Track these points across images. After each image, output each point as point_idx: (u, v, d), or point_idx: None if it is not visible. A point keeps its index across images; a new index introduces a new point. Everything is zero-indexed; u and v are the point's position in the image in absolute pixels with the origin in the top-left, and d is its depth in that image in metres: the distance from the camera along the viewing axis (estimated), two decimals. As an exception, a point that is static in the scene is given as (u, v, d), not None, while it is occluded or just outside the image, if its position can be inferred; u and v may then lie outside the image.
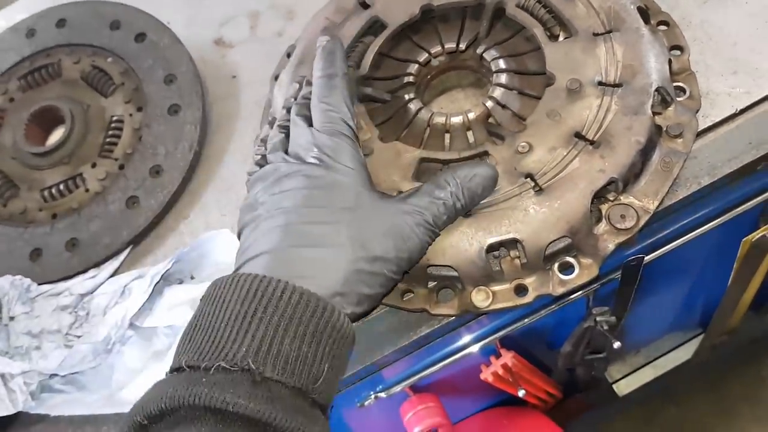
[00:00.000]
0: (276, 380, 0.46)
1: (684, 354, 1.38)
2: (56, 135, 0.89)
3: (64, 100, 0.87)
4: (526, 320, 0.75)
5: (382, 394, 0.75)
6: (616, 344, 0.78)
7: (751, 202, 0.74)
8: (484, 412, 1.05)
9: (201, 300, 0.52)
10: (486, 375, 0.79)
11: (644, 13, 0.70)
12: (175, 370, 0.48)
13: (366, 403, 0.75)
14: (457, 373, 0.83)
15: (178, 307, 0.69)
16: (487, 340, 0.75)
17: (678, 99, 0.67)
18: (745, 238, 0.82)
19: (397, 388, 0.76)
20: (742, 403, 1.93)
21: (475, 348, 0.74)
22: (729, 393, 1.94)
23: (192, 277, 0.72)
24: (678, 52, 0.71)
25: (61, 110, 0.86)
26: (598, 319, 0.79)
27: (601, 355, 0.95)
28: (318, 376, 0.48)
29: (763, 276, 1.04)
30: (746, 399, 1.93)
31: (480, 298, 0.62)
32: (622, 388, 1.39)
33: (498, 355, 0.79)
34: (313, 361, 0.48)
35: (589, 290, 0.76)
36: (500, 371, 0.79)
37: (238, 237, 0.59)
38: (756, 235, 0.81)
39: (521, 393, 0.83)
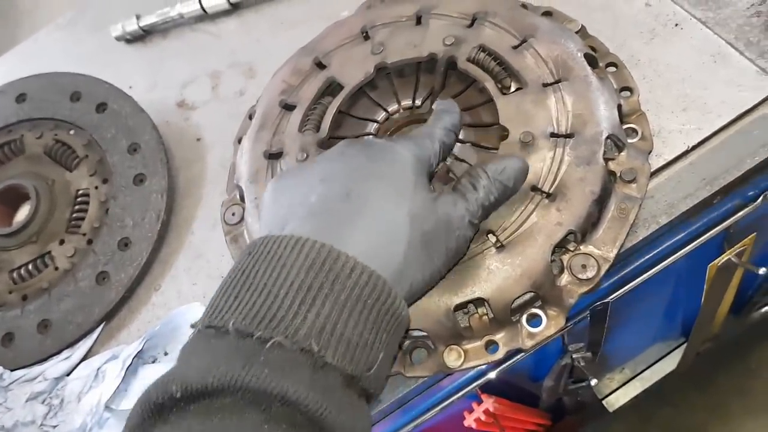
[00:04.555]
0: (334, 366, 0.41)
1: (669, 364, 1.40)
2: (23, 212, 0.89)
3: (28, 177, 0.87)
4: (503, 366, 0.75)
5: (367, 452, 0.75)
6: (593, 381, 0.79)
7: (713, 231, 0.75)
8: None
9: (249, 254, 0.45)
10: (469, 422, 0.80)
11: (592, 59, 0.72)
12: (213, 328, 0.41)
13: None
14: (442, 422, 0.83)
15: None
16: (466, 390, 0.75)
17: (630, 141, 0.69)
18: (711, 264, 0.83)
19: (381, 445, 0.76)
20: (733, 397, 1.96)
21: (454, 398, 0.75)
22: (720, 388, 1.97)
23: (165, 353, 0.72)
24: (628, 93, 0.72)
25: (26, 188, 0.86)
26: (574, 356, 0.80)
27: (584, 384, 0.96)
28: (372, 363, 0.44)
29: (735, 290, 1.06)
30: (737, 392, 1.96)
31: (452, 358, 0.62)
32: (612, 402, 1.40)
33: (480, 401, 0.79)
34: (371, 349, 0.44)
35: (564, 331, 0.77)
36: (483, 417, 0.79)
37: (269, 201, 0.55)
38: (721, 259, 0.83)
39: (504, 438, 0.83)
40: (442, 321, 0.61)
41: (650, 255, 0.75)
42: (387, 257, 0.47)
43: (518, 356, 0.75)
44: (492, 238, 0.62)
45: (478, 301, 0.61)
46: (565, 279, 0.62)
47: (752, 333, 1.95)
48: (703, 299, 0.92)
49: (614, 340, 1.04)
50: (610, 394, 1.42)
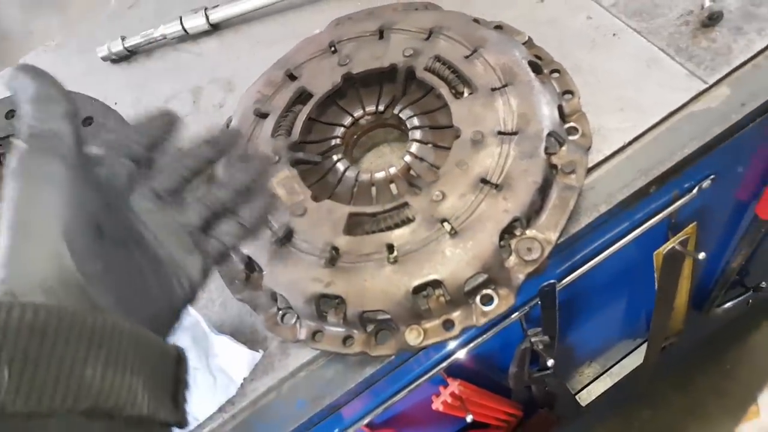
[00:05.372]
0: None
1: (636, 360, 1.46)
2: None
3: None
4: (464, 350, 0.82)
5: (340, 435, 0.81)
6: (550, 361, 0.85)
7: (654, 220, 0.82)
8: (448, 439, 1.11)
9: None
10: (437, 405, 0.85)
11: (536, 66, 0.79)
12: None
13: (325, 445, 0.81)
14: (411, 407, 0.89)
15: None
16: (432, 372, 0.81)
17: (571, 138, 0.76)
18: (656, 251, 0.90)
19: (354, 428, 0.81)
20: (710, 397, 2.03)
21: (421, 380, 0.81)
22: (697, 389, 2.04)
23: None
24: (570, 96, 0.80)
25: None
26: (533, 340, 0.86)
27: (548, 372, 1.02)
28: None
29: (689, 281, 1.13)
30: (714, 392, 2.03)
31: (413, 336, 0.68)
32: (585, 397, 1.46)
33: (446, 385, 0.85)
34: None
35: (521, 314, 0.83)
36: (449, 399, 0.85)
37: None
38: (666, 247, 0.90)
39: (469, 418, 0.89)
40: (403, 303, 0.67)
41: (596, 244, 0.82)
42: None
43: (478, 338, 0.81)
44: (447, 226, 0.69)
45: (435, 284, 0.67)
46: (512, 261, 0.69)
47: (725, 334, 2.04)
48: (656, 288, 0.99)
49: (578, 333, 1.10)
50: (582, 389, 1.48)
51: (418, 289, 0.67)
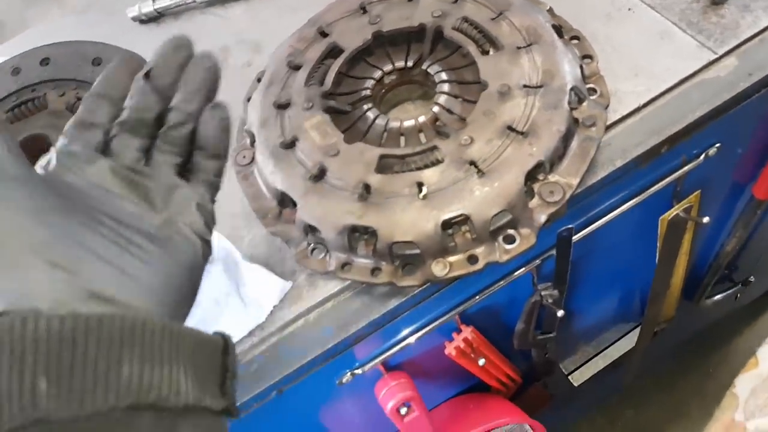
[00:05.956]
0: None
1: (629, 343, 1.51)
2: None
3: (51, 129, 0.95)
4: (480, 295, 0.86)
5: (358, 371, 0.84)
6: (560, 312, 0.90)
7: (663, 182, 0.87)
8: (451, 399, 1.14)
9: None
10: (450, 350, 0.89)
11: (558, 30, 0.84)
12: None
13: (344, 380, 0.84)
14: (425, 353, 0.92)
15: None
16: (447, 316, 0.85)
17: (590, 97, 0.81)
18: (661, 217, 0.95)
19: (371, 365, 0.84)
20: (693, 398, 2.09)
21: (437, 323, 0.84)
22: (680, 389, 2.10)
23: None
24: (589, 60, 0.85)
25: (50, 138, 0.94)
26: (543, 293, 0.90)
27: (551, 335, 1.06)
28: None
29: (686, 258, 1.18)
30: (696, 393, 2.09)
31: (439, 268, 0.72)
32: (577, 377, 1.50)
33: (459, 331, 0.89)
34: None
35: (532, 266, 0.87)
36: (462, 345, 0.88)
37: None
38: (671, 213, 0.95)
39: (481, 362, 0.93)
40: (432, 235, 0.71)
41: (609, 202, 0.87)
42: None
43: (493, 285, 0.85)
44: (474, 168, 0.73)
45: (462, 220, 0.71)
46: (535, 202, 0.73)
47: (710, 335, 2.10)
48: (657, 257, 1.04)
49: (580, 302, 1.14)
50: (575, 370, 1.52)
51: (446, 224, 0.71)
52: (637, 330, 1.50)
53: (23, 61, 1.04)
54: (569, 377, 1.50)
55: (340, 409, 0.97)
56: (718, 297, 1.64)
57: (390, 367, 0.89)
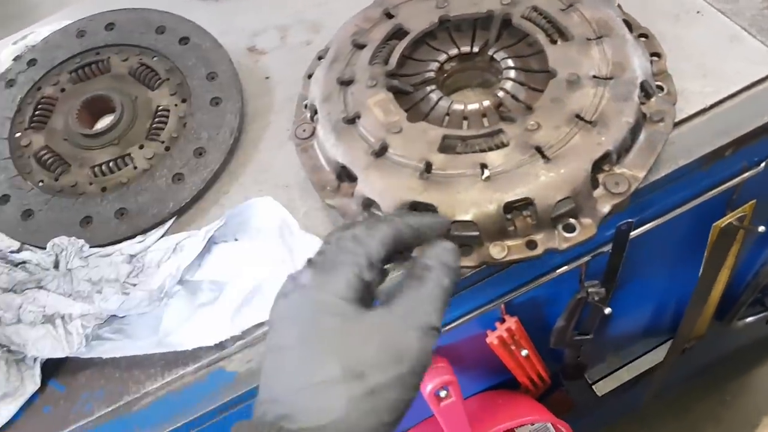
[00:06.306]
0: None
1: (656, 357, 1.49)
2: (104, 122, 0.98)
3: (113, 91, 0.97)
4: (527, 287, 0.85)
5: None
6: (607, 310, 0.89)
7: (722, 187, 0.86)
8: (480, 393, 1.14)
9: None
10: (492, 338, 0.88)
11: (628, 24, 0.84)
12: None
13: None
14: (465, 340, 0.92)
15: (225, 264, 0.78)
16: (493, 304, 0.84)
17: (658, 94, 0.80)
18: (714, 224, 0.94)
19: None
20: (707, 423, 2.06)
21: (482, 309, 0.84)
22: (695, 415, 2.08)
23: (236, 239, 0.81)
24: (656, 58, 0.84)
25: (112, 99, 0.95)
26: (589, 290, 0.90)
27: (588, 337, 1.05)
28: None
29: (729, 271, 1.16)
30: (712, 419, 2.06)
31: (496, 251, 0.72)
32: (601, 388, 1.48)
33: (502, 321, 0.88)
34: None
35: (582, 262, 0.87)
36: (505, 334, 0.88)
37: None
38: (724, 221, 0.94)
39: (524, 353, 0.92)
40: (493, 217, 0.70)
41: (667, 201, 0.86)
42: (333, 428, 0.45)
43: (544, 277, 0.84)
44: (539, 154, 0.73)
45: (525, 204, 0.71)
46: (600, 192, 0.72)
47: (732, 362, 2.07)
48: (703, 265, 1.03)
49: (618, 309, 1.13)
50: (599, 380, 1.50)
51: (508, 207, 0.71)
52: (665, 345, 1.49)
53: (89, 24, 1.05)
54: (593, 386, 1.49)
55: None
56: (749, 319, 1.61)
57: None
